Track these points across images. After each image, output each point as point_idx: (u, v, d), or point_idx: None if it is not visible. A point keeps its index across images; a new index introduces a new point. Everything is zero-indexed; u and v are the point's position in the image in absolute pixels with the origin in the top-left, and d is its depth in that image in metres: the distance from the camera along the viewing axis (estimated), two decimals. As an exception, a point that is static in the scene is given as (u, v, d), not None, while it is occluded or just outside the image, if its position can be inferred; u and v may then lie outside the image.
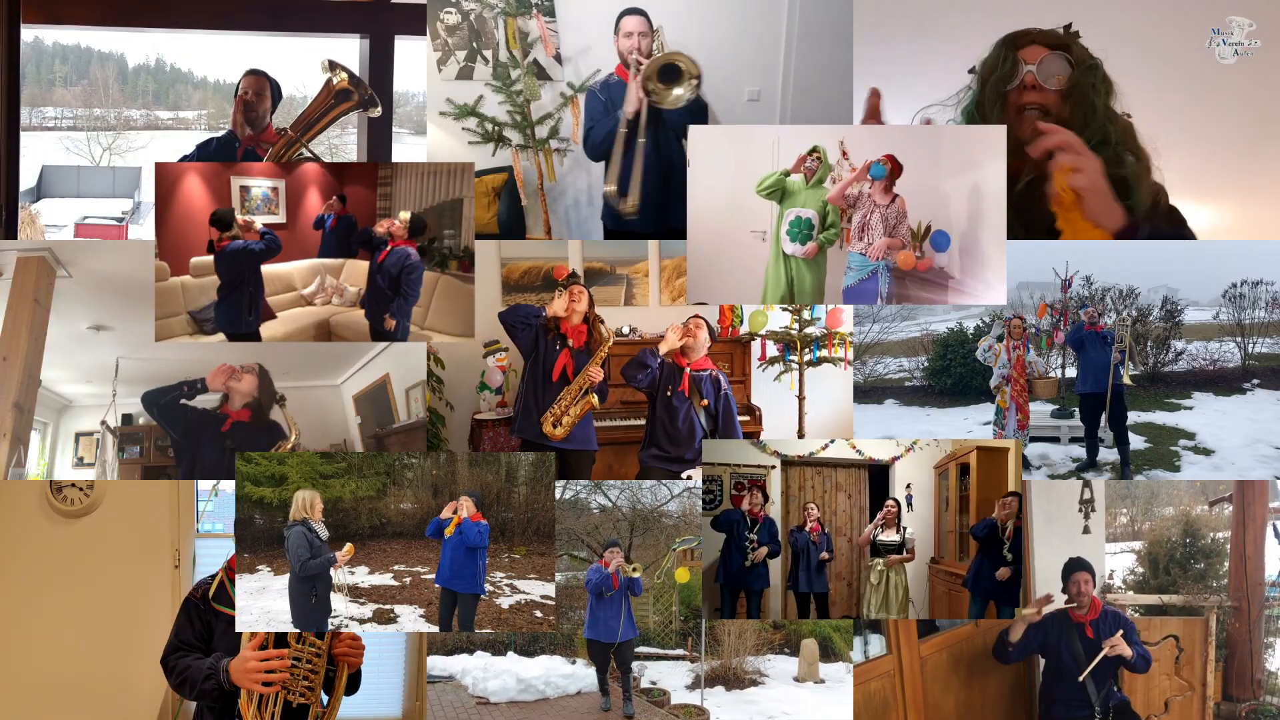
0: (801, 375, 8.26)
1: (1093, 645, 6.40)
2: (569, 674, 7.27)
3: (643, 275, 8.57)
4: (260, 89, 7.30)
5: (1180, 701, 7.16)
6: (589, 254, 8.36)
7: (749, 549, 6.32)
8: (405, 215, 6.68)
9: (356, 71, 8.34)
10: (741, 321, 8.52)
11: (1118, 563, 7.53)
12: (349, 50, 8.98)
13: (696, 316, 7.10)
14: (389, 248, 6.70)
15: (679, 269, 8.50)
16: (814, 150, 6.25)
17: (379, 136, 8.74)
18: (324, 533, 5.71)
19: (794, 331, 8.25)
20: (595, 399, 6.86)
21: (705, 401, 7.01)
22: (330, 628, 5.65)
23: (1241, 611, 7.37)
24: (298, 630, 5.43)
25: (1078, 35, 5.99)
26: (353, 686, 5.69)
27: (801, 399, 8.25)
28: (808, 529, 6.44)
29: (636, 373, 6.98)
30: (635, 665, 7.15)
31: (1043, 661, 6.63)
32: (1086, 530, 7.03)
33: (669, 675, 7.33)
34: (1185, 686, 7.15)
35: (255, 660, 5.27)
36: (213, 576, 5.65)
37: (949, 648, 6.90)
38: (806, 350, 8.25)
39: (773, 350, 8.49)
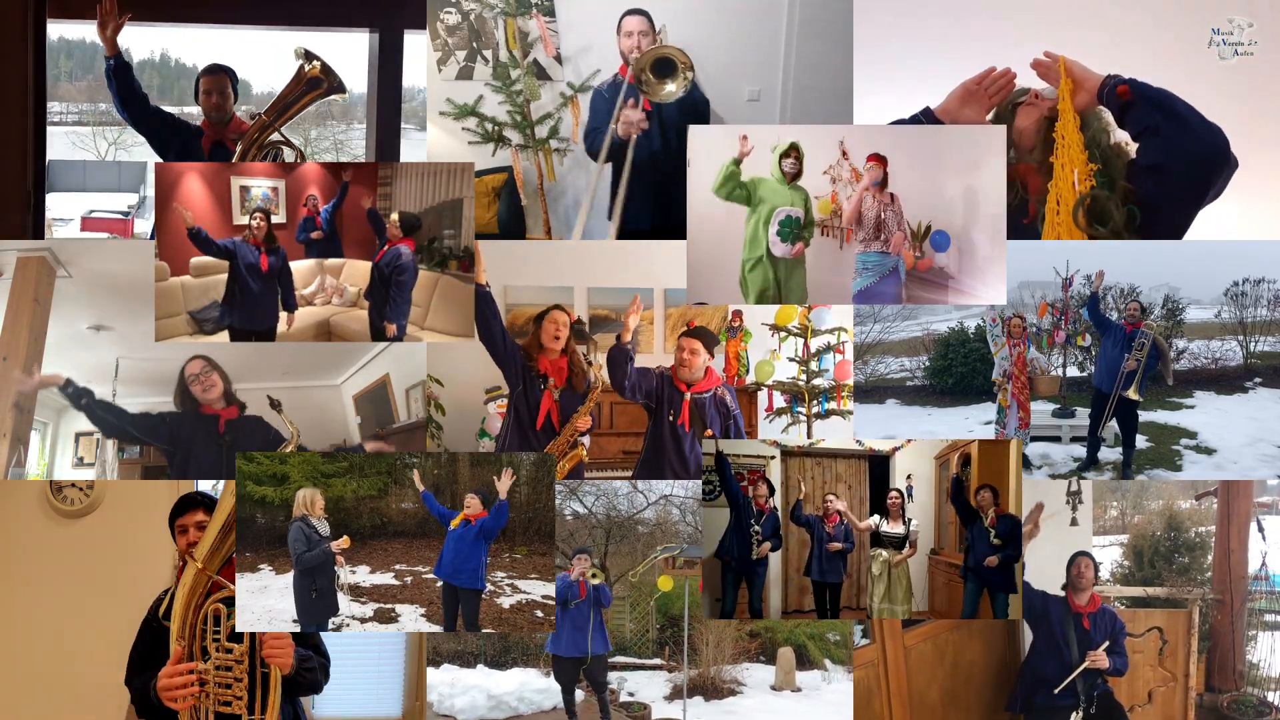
0: (810, 428, 8.06)
1: (1086, 638, 6.44)
2: (543, 688, 7.02)
3: (647, 323, 8.47)
4: (222, 87, 7.32)
5: (1163, 692, 7.19)
6: (594, 301, 8.23)
7: (754, 540, 6.33)
8: (394, 216, 6.68)
9: (366, 66, 8.40)
10: (748, 371, 8.41)
11: (1105, 555, 7.53)
12: (358, 45, 8.98)
13: (688, 336, 6.76)
14: (385, 246, 6.70)
15: (684, 317, 8.44)
16: (792, 147, 6.23)
17: (386, 132, 8.74)
18: (324, 529, 5.72)
19: (801, 383, 8.05)
20: (584, 449, 6.61)
21: (710, 433, 6.67)
22: (332, 626, 5.67)
23: (1224, 604, 7.40)
24: (213, 640, 5.40)
25: None
26: (313, 686, 5.69)
27: None
28: (825, 518, 6.44)
29: (620, 376, 6.63)
30: (613, 677, 6.92)
31: (1029, 640, 6.66)
32: (1074, 522, 7.04)
33: (647, 685, 7.23)
34: (1168, 677, 7.18)
35: (166, 679, 5.28)
36: (166, 591, 5.66)
37: (933, 638, 6.94)
38: (814, 402, 8.06)
39: (780, 401, 8.26)
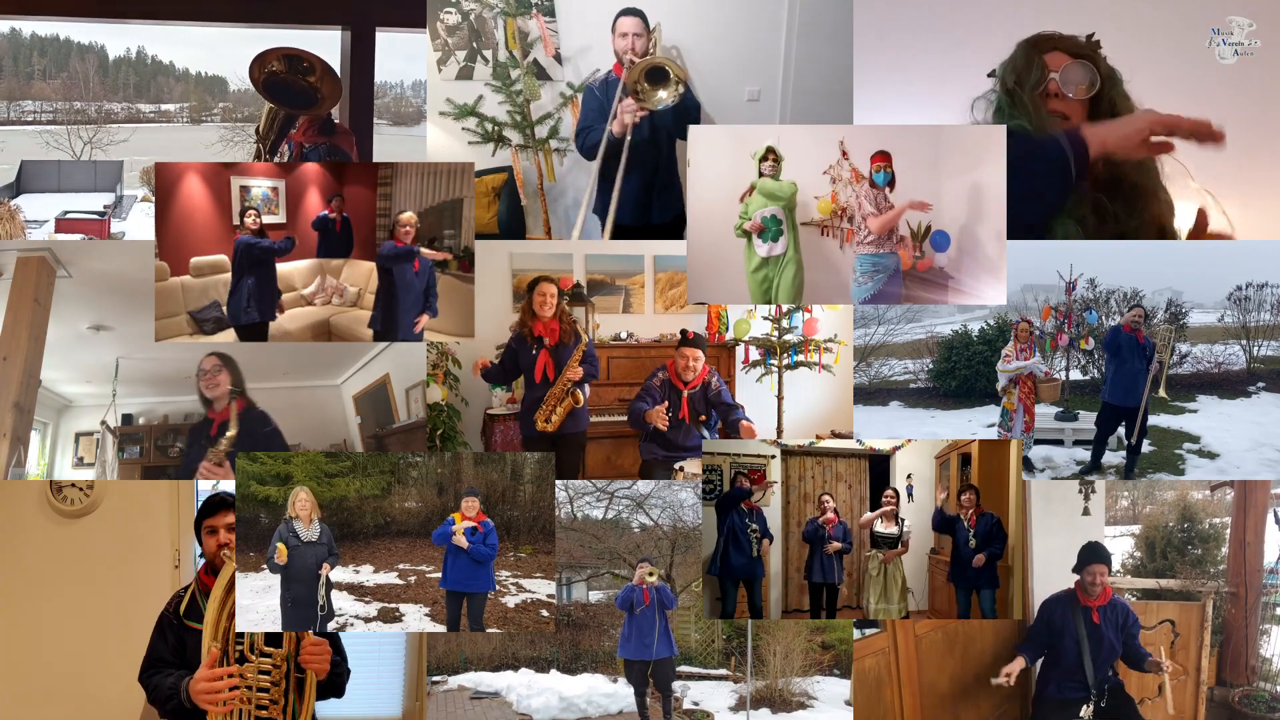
0: (780, 377, 8.77)
1: (1096, 631, 6.42)
2: (610, 693, 7.22)
3: (639, 286, 8.86)
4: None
5: (1174, 686, 7.17)
6: (591, 267, 8.63)
7: (755, 540, 6.40)
8: (411, 215, 6.69)
9: (338, 64, 8.38)
10: (727, 328, 9.02)
11: (1117, 546, 7.53)
12: (330, 42, 8.98)
13: (690, 346, 7.28)
14: (418, 255, 6.71)
15: (672, 280, 8.79)
16: (769, 151, 6.26)
17: (359, 127, 8.75)
18: (305, 532, 5.69)
19: (774, 338, 8.75)
20: (581, 395, 7.19)
21: (704, 417, 7.31)
22: (335, 625, 5.66)
23: (1239, 598, 7.37)
24: (251, 644, 5.37)
25: (1099, 45, 5.99)
26: (337, 689, 5.66)
27: (780, 398, 8.75)
28: (822, 520, 6.48)
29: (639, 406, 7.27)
30: (676, 686, 7.00)
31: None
32: (1086, 512, 7.04)
33: (711, 696, 7.27)
34: (1180, 671, 7.17)
35: (205, 682, 5.23)
36: (185, 589, 5.63)
37: (944, 627, 6.93)
38: (785, 355, 8.77)
39: (755, 355, 8.94)
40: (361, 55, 8.82)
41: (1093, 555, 6.49)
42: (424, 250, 6.68)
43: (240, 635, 5.35)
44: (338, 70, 8.95)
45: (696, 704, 7.20)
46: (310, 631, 5.46)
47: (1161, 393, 6.70)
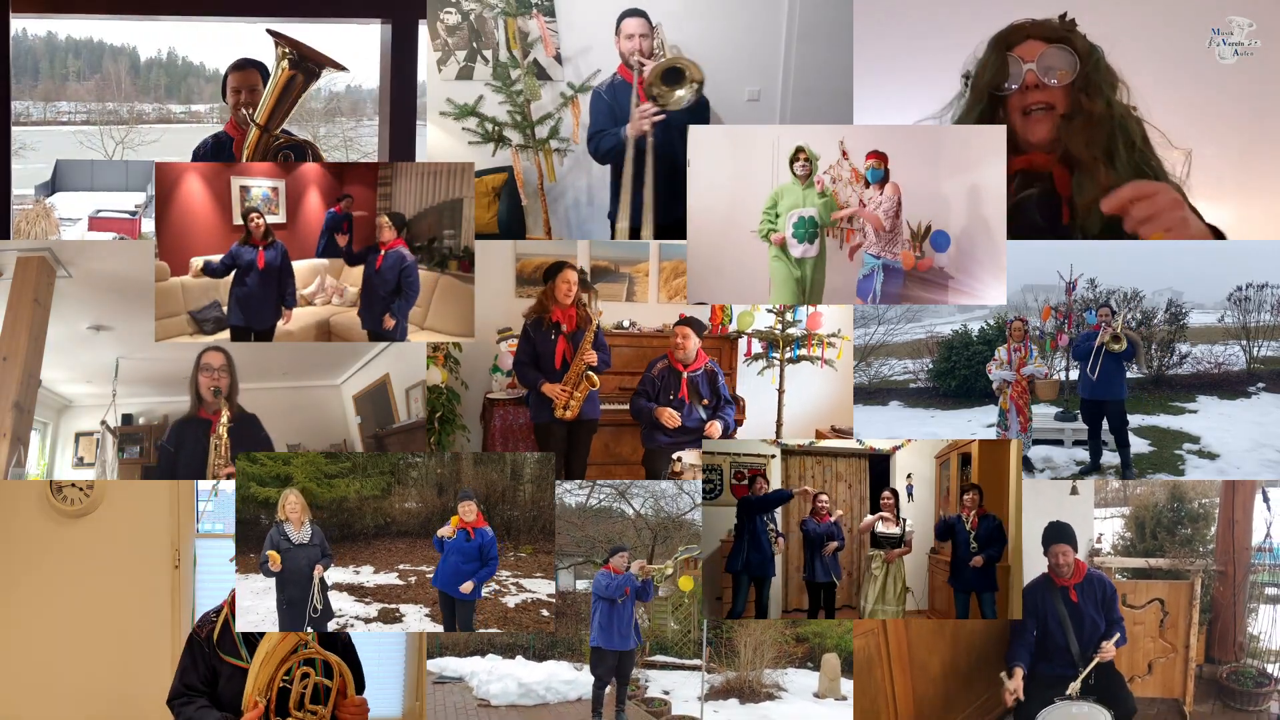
0: (782, 371, 8.71)
1: (1076, 610, 6.37)
2: (571, 680, 7.31)
3: (643, 275, 8.84)
4: (251, 84, 7.06)
5: (1163, 663, 7.18)
6: (595, 253, 8.63)
7: (773, 538, 6.44)
8: (384, 219, 6.68)
9: (378, 60, 8.31)
10: (731, 320, 9.00)
11: (1106, 527, 7.52)
12: (369, 37, 8.94)
13: (682, 325, 7.47)
14: (382, 252, 6.69)
15: (676, 270, 8.79)
16: (800, 151, 6.24)
17: (401, 126, 8.72)
18: (296, 535, 5.69)
19: (777, 331, 8.71)
20: (595, 379, 7.24)
21: (705, 400, 7.40)
22: (335, 626, 5.66)
23: (1227, 576, 7.37)
24: (300, 700, 5.37)
25: (1074, 24, 5.88)
26: None
27: (781, 392, 8.71)
28: (823, 519, 6.49)
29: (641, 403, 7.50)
30: (638, 674, 7.12)
31: None
32: (1074, 491, 7.00)
33: (683, 685, 7.34)
34: (1169, 649, 7.17)
35: None
36: (217, 612, 5.62)
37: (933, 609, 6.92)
38: (788, 348, 8.73)
39: (757, 347, 8.91)
40: (402, 50, 8.75)
41: (1055, 536, 6.42)
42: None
43: (286, 685, 5.36)
44: (378, 67, 8.94)
45: (667, 693, 7.25)
46: (334, 652, 5.49)
47: (1104, 339, 6.63)
